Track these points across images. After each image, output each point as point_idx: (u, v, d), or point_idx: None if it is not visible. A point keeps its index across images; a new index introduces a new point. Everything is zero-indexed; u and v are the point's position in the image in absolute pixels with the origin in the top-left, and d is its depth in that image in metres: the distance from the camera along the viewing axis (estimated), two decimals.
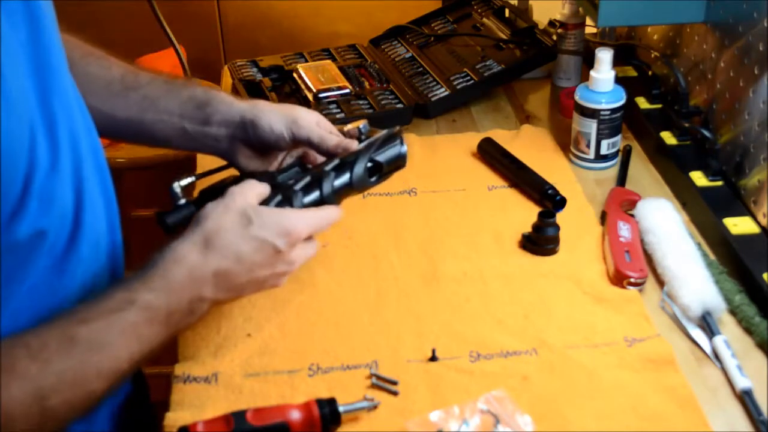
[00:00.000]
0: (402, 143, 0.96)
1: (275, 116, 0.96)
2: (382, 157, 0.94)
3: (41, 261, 0.76)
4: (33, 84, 0.74)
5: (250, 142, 0.98)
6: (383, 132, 0.97)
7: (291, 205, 0.87)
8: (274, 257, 0.83)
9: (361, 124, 0.98)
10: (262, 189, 0.87)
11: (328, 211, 0.88)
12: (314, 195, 0.89)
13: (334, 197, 0.91)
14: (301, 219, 0.84)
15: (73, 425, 0.78)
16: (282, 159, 1.02)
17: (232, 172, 0.98)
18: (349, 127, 0.98)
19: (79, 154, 0.81)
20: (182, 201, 0.91)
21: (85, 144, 0.83)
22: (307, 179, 0.90)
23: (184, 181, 0.92)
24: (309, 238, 0.87)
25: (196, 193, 0.96)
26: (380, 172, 0.94)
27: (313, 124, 0.96)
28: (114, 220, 0.89)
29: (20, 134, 0.70)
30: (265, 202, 0.86)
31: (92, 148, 0.85)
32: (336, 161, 0.92)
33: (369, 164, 0.93)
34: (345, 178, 0.91)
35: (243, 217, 0.82)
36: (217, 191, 0.93)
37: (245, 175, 0.92)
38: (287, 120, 0.96)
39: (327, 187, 0.90)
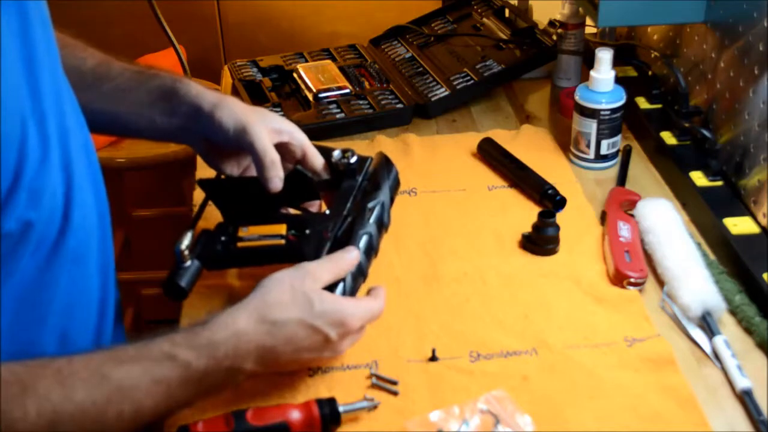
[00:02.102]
0: (392, 163, 1.00)
1: (229, 116, 0.93)
2: (393, 189, 0.99)
3: (29, 254, 0.76)
4: (23, 78, 0.74)
5: (207, 137, 0.96)
6: (370, 160, 0.99)
7: (361, 269, 0.90)
8: (323, 344, 0.83)
9: (353, 158, 0.98)
10: (336, 274, 0.87)
11: (380, 302, 0.88)
12: (370, 251, 0.92)
13: (378, 246, 0.94)
14: (358, 311, 0.85)
15: None
16: (248, 164, 1.00)
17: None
18: (337, 156, 0.97)
19: (68, 149, 0.81)
20: (187, 263, 0.89)
21: (75, 140, 0.83)
22: (365, 239, 0.92)
23: (186, 240, 0.90)
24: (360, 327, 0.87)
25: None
26: (391, 204, 0.99)
27: (262, 141, 0.92)
28: (105, 217, 0.89)
29: (12, 126, 0.71)
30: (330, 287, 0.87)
31: (83, 145, 0.85)
32: (368, 208, 0.95)
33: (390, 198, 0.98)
34: (381, 222, 0.95)
35: (305, 300, 0.82)
36: (216, 237, 0.93)
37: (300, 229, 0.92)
38: (238, 125, 0.92)
39: (376, 242, 0.93)
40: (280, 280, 0.83)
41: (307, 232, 0.91)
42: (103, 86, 0.97)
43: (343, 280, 0.87)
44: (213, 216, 0.98)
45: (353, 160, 0.98)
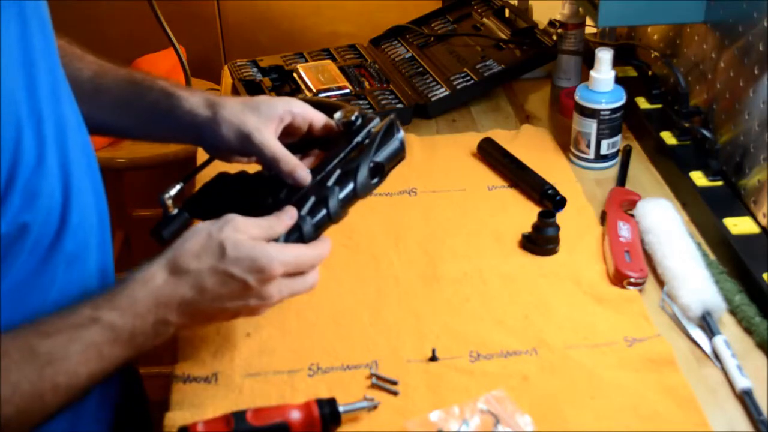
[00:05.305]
0: (399, 130, 0.93)
1: (228, 128, 0.92)
2: (382, 157, 0.92)
3: (25, 255, 0.76)
4: (21, 80, 0.74)
5: (211, 145, 0.96)
6: (376, 122, 0.93)
7: (300, 231, 0.86)
8: (242, 291, 0.81)
9: (354, 114, 0.93)
10: (266, 231, 0.84)
11: (317, 250, 0.86)
12: (322, 214, 0.88)
13: (342, 212, 0.89)
14: (278, 256, 0.82)
15: (57, 425, 0.78)
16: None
17: (227, 166, 0.97)
18: (338, 117, 0.94)
19: (66, 151, 0.80)
20: (174, 212, 0.90)
21: (73, 142, 0.82)
22: (312, 200, 0.88)
23: (173, 191, 0.90)
24: (300, 273, 0.84)
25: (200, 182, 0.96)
26: (382, 172, 0.92)
27: (270, 148, 0.91)
28: (104, 219, 0.89)
29: (6, 130, 0.71)
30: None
31: (82, 147, 0.85)
32: (338, 172, 0.90)
33: (371, 165, 0.91)
34: (349, 189, 0.89)
35: (219, 248, 0.80)
36: (204, 196, 0.92)
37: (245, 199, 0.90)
38: (240, 136, 0.91)
39: (333, 205, 0.88)
40: (199, 230, 0.82)
41: (282, 195, 0.89)
42: (101, 99, 0.96)
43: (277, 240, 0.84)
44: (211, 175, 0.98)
45: (354, 118, 0.93)
